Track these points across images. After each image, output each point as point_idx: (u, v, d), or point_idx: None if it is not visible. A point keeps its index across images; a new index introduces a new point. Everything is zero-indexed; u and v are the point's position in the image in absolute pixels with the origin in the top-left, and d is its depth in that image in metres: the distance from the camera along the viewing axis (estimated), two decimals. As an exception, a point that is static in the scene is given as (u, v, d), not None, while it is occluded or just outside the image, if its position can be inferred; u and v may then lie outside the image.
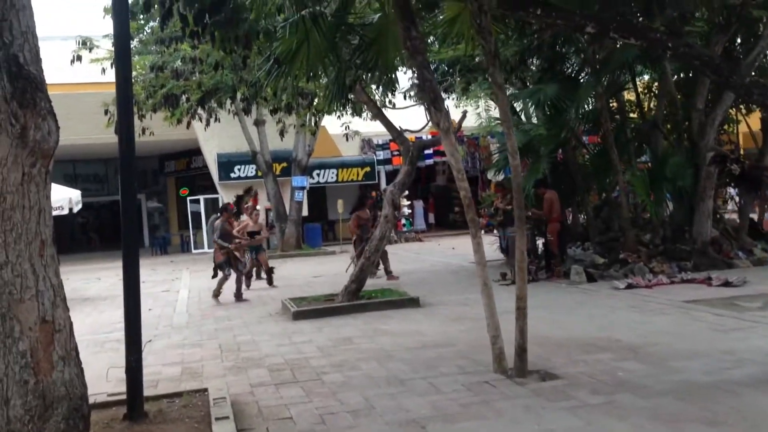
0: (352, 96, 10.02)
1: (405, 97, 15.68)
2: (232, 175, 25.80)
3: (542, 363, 6.82)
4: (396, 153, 28.33)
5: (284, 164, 25.14)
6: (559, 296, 11.21)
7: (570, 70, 14.78)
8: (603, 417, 5.17)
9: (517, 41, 12.31)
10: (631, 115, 15.70)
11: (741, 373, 6.04)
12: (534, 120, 15.47)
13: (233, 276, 13.49)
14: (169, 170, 31.74)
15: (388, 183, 28.76)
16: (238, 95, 13.47)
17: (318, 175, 27.07)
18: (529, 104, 12.86)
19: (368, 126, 20.97)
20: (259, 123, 23.07)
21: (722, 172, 12.72)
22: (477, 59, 12.87)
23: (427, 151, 28.54)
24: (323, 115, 15.09)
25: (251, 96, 12.14)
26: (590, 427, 5.00)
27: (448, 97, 15.79)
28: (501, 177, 17.87)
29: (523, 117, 15.55)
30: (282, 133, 17.65)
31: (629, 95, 15.83)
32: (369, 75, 8.79)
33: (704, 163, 13.07)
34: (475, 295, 11.79)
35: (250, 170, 25.61)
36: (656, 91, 15.49)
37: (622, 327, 8.37)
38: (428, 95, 7.02)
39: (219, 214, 14.04)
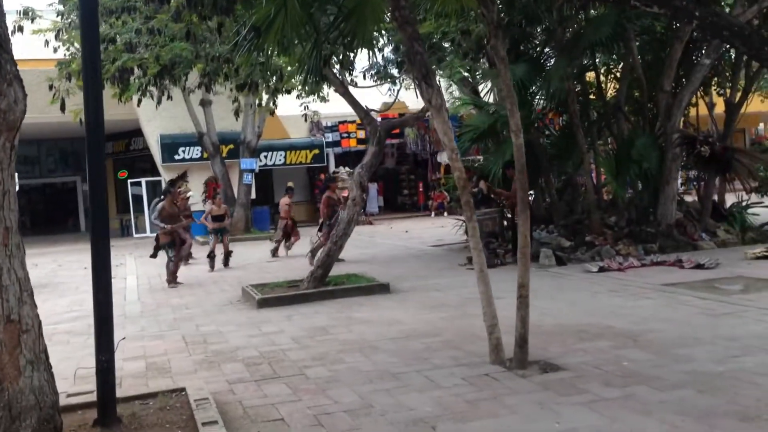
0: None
1: (364, 77, 15.12)
2: (176, 157, 24.81)
3: (539, 353, 6.46)
4: (345, 135, 27.82)
5: (231, 146, 24.32)
6: (534, 281, 10.69)
7: (532, 51, 14.49)
8: (625, 413, 4.82)
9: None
10: (591, 97, 15.52)
11: (754, 361, 5.78)
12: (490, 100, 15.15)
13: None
14: (106, 152, 30.29)
15: (336, 166, 28.22)
16: (196, 71, 12.65)
17: (266, 157, 26.29)
18: (496, 85, 12.49)
19: (317, 107, 20.35)
20: (205, 103, 22.19)
21: (690, 154, 12.65)
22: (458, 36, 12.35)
23: (376, 134, 28.16)
24: (284, 94, 14.38)
25: (212, 72, 11.38)
26: (616, 424, 4.64)
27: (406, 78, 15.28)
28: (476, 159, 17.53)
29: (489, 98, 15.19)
30: (237, 113, 16.86)
31: (590, 77, 15.64)
32: (345, 48, 8.24)
33: (670, 145, 12.96)
34: (445, 281, 11.48)
35: (195, 152, 24.68)
36: (618, 73, 15.32)
37: (609, 312, 8.09)
38: (419, 70, 6.51)
39: (162, 197, 13.49)
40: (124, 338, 7.11)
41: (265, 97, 15.94)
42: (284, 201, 16.38)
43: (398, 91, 15.01)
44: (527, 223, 6.06)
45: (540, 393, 5.37)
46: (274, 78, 12.20)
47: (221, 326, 9.04)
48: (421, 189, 29.73)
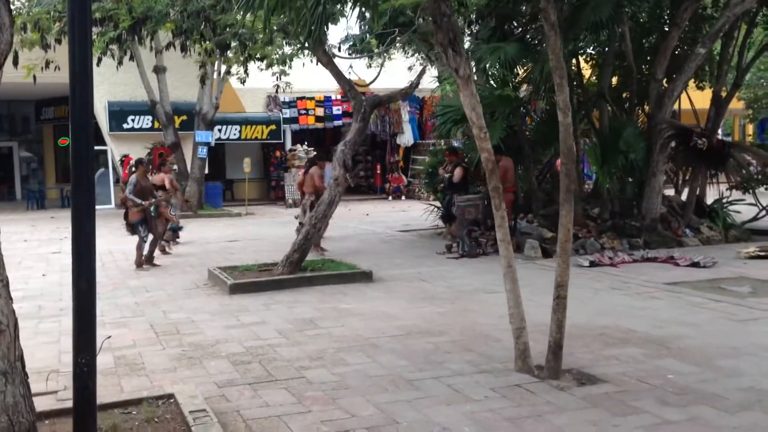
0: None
1: (339, 50, 14.21)
2: (125, 126, 23.35)
3: (566, 359, 5.79)
4: (303, 112, 26.75)
5: (184, 117, 23.03)
6: (524, 274, 10.10)
7: (520, 30, 13.81)
8: (699, 439, 4.19)
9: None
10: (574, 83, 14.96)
11: (812, 377, 5.24)
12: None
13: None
14: (47, 117, 28.62)
15: (293, 143, 27.17)
16: (164, 30, 11.49)
17: (220, 131, 25.00)
18: (488, 63, 11.79)
19: (274, 81, 19.28)
20: (159, 70, 20.88)
21: (680, 147, 12.20)
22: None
23: (336, 112, 27.23)
24: (256, 62, 13.30)
25: (189, 29, 10.26)
26: (696, 455, 4.00)
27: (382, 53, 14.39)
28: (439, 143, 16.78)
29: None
30: (203, 80, 15.66)
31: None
32: (348, 7, 7.39)
33: (659, 136, 12.49)
34: (428, 269, 10.76)
35: (146, 121, 23.28)
36: (598, 60, 14.76)
37: (622, 313, 7.50)
38: (445, 34, 5.73)
39: (134, 169, 12.20)
40: (109, 337, 6.17)
41: (234, 66, 14.65)
42: (316, 171, 13.55)
43: (381, 65, 14.15)
44: (570, 215, 5.36)
45: (589, 411, 4.70)
46: (249, 43, 11.16)
47: (192, 314, 8.13)
48: (378, 171, 28.93)
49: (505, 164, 11.85)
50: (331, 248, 12.91)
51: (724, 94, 13.63)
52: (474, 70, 14.44)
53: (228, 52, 11.39)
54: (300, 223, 12.44)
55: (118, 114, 23.36)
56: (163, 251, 13.08)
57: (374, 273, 10.08)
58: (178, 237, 14.06)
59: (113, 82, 22.96)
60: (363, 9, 7.07)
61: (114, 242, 14.67)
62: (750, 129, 33.65)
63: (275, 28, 9.48)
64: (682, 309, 7.61)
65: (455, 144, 16.77)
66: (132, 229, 11.67)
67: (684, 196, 13.98)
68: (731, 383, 5.15)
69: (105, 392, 5.29)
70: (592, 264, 10.59)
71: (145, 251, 11.70)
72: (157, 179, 13.14)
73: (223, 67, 20.06)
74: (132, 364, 6.16)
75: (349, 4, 7.41)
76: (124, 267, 11.73)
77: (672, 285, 8.93)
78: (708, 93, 17.34)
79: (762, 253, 10.77)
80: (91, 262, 4.08)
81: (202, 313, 8.12)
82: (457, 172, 12.39)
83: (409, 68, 22.31)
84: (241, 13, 7.60)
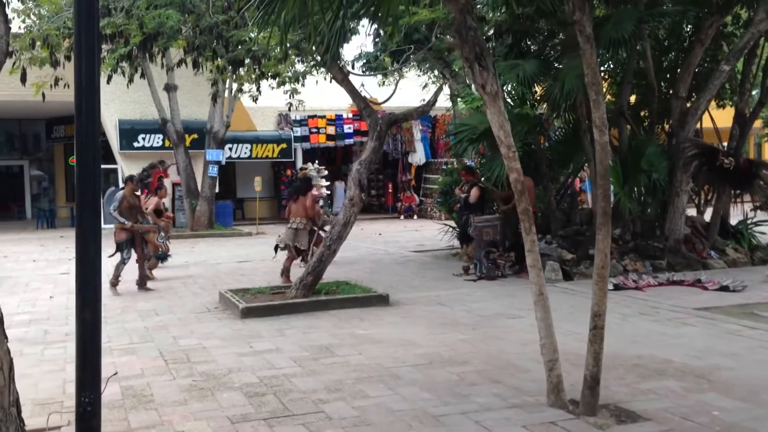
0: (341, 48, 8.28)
1: (352, 67, 13.97)
2: (136, 144, 23.18)
3: (600, 392, 5.42)
4: (314, 130, 26.55)
5: (195, 135, 22.83)
6: (545, 297, 9.90)
7: (536, 49, 13.55)
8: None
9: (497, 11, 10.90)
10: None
11: None
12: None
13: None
14: (58, 135, 28.53)
15: (304, 162, 26.89)
16: (175, 47, 11.26)
17: (231, 149, 24.80)
18: (506, 80, 11.52)
19: (285, 100, 19.03)
20: (170, 88, 20.70)
21: (705, 166, 11.84)
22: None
23: (347, 130, 27.02)
24: (269, 79, 13.02)
25: (201, 46, 9.98)
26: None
27: (400, 69, 14.12)
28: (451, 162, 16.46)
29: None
30: (215, 98, 15.39)
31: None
32: (366, 23, 7.14)
33: (682, 155, 12.14)
34: (446, 293, 10.41)
35: (157, 140, 23.11)
36: (619, 77, 14.45)
37: (655, 341, 7.13)
38: (471, 48, 5.45)
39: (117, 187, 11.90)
40: (115, 373, 5.86)
41: (246, 84, 14.30)
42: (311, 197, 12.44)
43: (396, 83, 13.88)
44: (608, 239, 5.02)
45: (634, 453, 4.34)
46: (263, 60, 10.90)
47: (203, 339, 7.81)
48: (390, 190, 28.64)
49: (526, 184, 11.47)
50: (345, 270, 12.57)
51: (747, 113, 13.26)
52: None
53: (240, 69, 11.12)
54: (277, 246, 11.86)
55: (129, 132, 23.20)
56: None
57: (390, 296, 9.76)
58: (164, 261, 13.56)
59: (124, 101, 22.85)
60: (379, 25, 6.77)
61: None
62: (766, 148, 33.29)
63: (289, 45, 9.23)
64: (717, 337, 7.23)
65: (468, 163, 16.49)
66: (117, 247, 11.20)
67: (707, 217, 13.61)
68: (785, 422, 4.78)
69: (111, 428, 4.98)
70: (617, 287, 10.21)
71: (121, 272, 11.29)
72: (153, 203, 12.77)
73: (235, 85, 19.88)
74: (140, 395, 5.83)
75: (367, 20, 7.15)
76: (133, 288, 11.43)
77: (703, 310, 8.56)
78: (728, 112, 17.07)
79: (792, 276, 10.38)
80: (96, 291, 3.78)
81: (214, 339, 7.80)
82: (474, 192, 12.06)
83: (423, 86, 22.13)
84: (256, 28, 7.36)
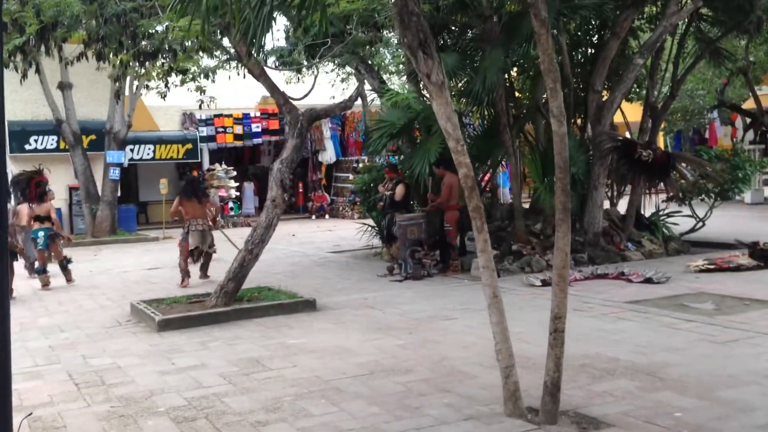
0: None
1: (265, 62, 13.31)
2: (27, 147, 21.61)
3: (556, 397, 5.18)
4: (221, 129, 25.66)
5: (93, 137, 21.56)
6: (475, 295, 9.65)
7: (453, 42, 13.37)
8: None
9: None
10: (517, 95, 14.67)
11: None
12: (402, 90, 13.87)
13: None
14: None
15: (211, 162, 25.96)
16: (76, 37, 10.35)
17: (132, 150, 23.56)
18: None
19: (190, 98, 18.19)
20: (65, 86, 19.44)
21: (622, 159, 11.93)
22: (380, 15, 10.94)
23: (255, 130, 26.25)
24: (178, 75, 12.18)
25: (107, 36, 9.11)
26: None
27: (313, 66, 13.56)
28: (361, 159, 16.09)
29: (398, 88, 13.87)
30: (118, 96, 14.38)
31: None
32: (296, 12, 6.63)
33: (598, 148, 12.21)
34: (373, 294, 10.04)
35: (51, 142, 21.68)
36: (533, 71, 14.47)
37: (596, 338, 6.99)
38: (414, 35, 5.08)
39: None
40: (30, 414, 5.17)
41: (153, 80, 13.37)
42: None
43: (315, 79, 13.35)
44: (568, 237, 4.75)
45: (607, 464, 4.09)
46: (180, 51, 10.15)
47: (118, 358, 7.14)
48: (300, 190, 28.02)
49: (450, 181, 11.25)
50: (264, 274, 11.99)
51: (658, 106, 13.51)
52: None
53: (148, 63, 10.38)
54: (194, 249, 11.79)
55: (20, 134, 21.66)
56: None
57: (317, 300, 9.30)
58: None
59: (13, 100, 21.28)
60: (306, 13, 6.30)
61: (21, 276, 13.30)
62: (661, 140, 34.60)
63: (207, 36, 8.61)
64: (656, 331, 7.15)
65: (383, 161, 16.19)
66: None
67: (620, 209, 13.79)
68: (748, 420, 4.65)
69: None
70: (544, 283, 10.09)
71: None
72: (43, 210, 12.11)
73: (136, 83, 18.85)
74: (51, 428, 5.18)
75: (288, 9, 6.66)
76: (31, 300, 10.52)
77: (634, 304, 8.52)
78: (636, 106, 17.46)
79: (710, 266, 10.56)
80: (4, 318, 3.18)
81: (130, 357, 7.15)
82: (399, 190, 11.74)
83: (332, 84, 21.68)
84: (172, 16, 6.74)
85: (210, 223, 11.97)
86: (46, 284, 11.79)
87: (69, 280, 12.25)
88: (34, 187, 12.77)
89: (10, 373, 3.19)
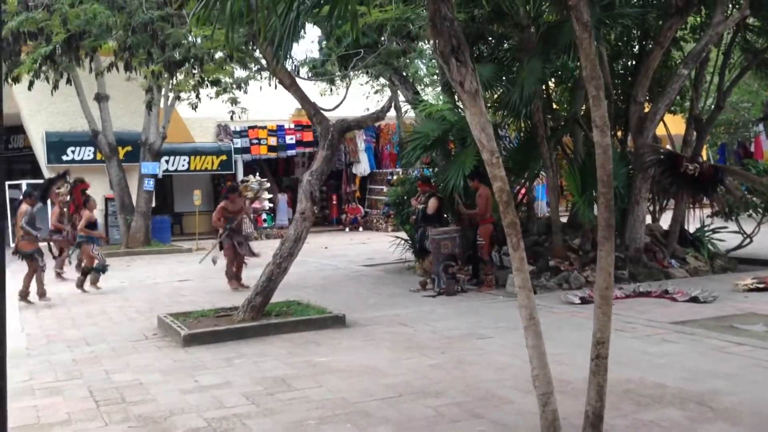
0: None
1: (297, 73, 13.17)
2: (65, 158, 21.82)
3: (597, 426, 4.81)
4: (255, 141, 25.64)
5: (128, 148, 21.67)
6: (510, 312, 9.30)
7: (488, 53, 13.08)
8: None
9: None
10: (555, 107, 14.32)
11: None
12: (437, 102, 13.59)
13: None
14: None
15: (245, 174, 25.91)
16: (105, 49, 10.30)
17: (167, 162, 23.67)
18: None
19: (224, 109, 18.11)
20: (101, 98, 19.56)
21: (666, 173, 11.49)
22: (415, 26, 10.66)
23: (289, 141, 26.20)
24: (208, 86, 12.06)
25: (135, 45, 8.97)
26: None
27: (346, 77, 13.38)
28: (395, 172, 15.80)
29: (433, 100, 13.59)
30: (149, 106, 14.36)
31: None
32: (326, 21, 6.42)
33: (641, 161, 11.78)
34: (406, 311, 9.72)
35: (88, 153, 21.87)
36: (572, 83, 14.09)
37: (641, 362, 6.59)
38: (447, 41, 4.80)
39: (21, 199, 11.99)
40: None
41: (184, 92, 13.31)
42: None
43: (347, 89, 13.15)
44: (611, 256, 4.42)
45: (656, 505, 3.73)
46: (205, 62, 10.01)
47: (140, 374, 6.94)
48: (334, 202, 27.87)
49: (486, 192, 10.94)
50: (294, 287, 11.76)
51: (703, 118, 13.03)
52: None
53: (178, 72, 10.28)
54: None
55: (57, 145, 21.90)
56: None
57: (347, 316, 9.02)
58: (104, 272, 12.81)
59: (51, 112, 21.59)
60: (336, 22, 6.06)
61: (49, 282, 13.28)
62: (705, 153, 33.78)
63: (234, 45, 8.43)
64: (704, 355, 6.73)
65: (415, 173, 15.90)
66: (29, 258, 11.21)
67: (663, 224, 13.31)
68: (810, 457, 4.25)
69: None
70: (584, 301, 9.71)
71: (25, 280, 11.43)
72: (85, 217, 12.52)
73: (171, 95, 18.87)
74: (66, 448, 4.97)
75: (318, 19, 6.44)
76: (60, 312, 10.43)
77: (680, 324, 8.09)
78: (677, 118, 16.95)
79: (760, 285, 10.05)
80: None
81: (153, 373, 6.95)
82: (432, 203, 11.43)
83: (366, 96, 21.49)
84: (196, 24, 6.56)
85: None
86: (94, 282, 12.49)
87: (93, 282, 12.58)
88: (79, 194, 13.18)
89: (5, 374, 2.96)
